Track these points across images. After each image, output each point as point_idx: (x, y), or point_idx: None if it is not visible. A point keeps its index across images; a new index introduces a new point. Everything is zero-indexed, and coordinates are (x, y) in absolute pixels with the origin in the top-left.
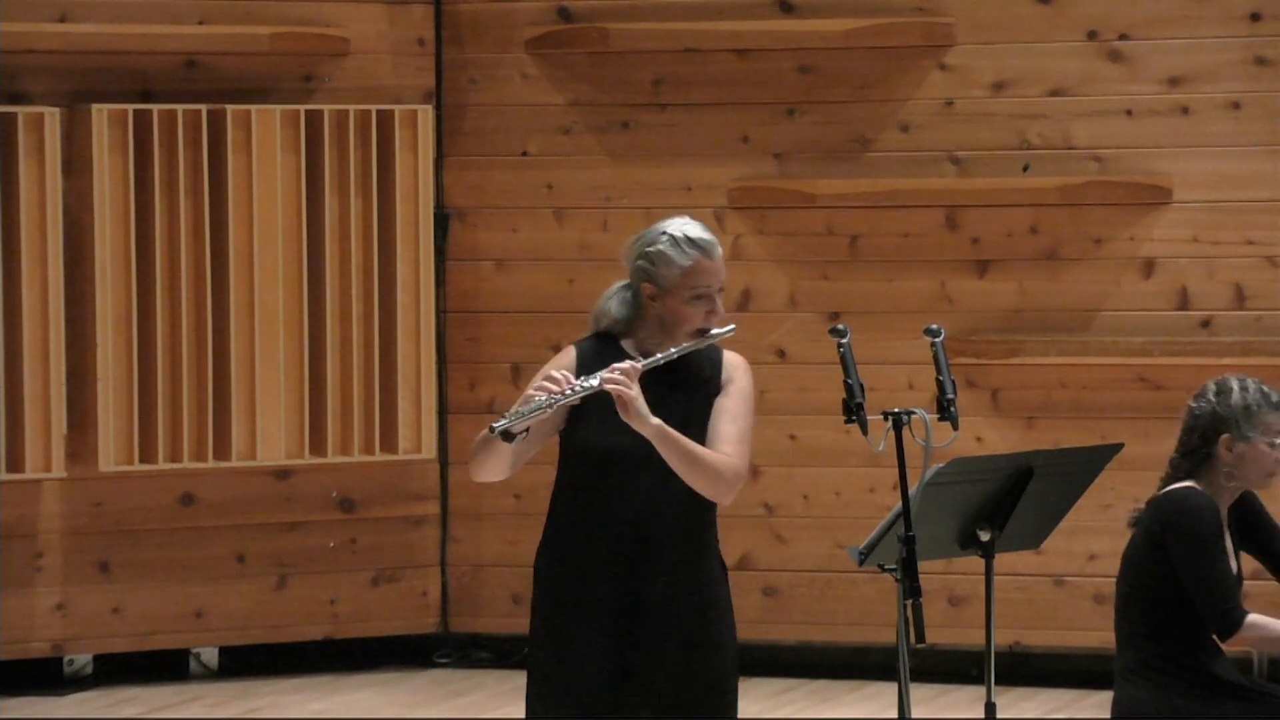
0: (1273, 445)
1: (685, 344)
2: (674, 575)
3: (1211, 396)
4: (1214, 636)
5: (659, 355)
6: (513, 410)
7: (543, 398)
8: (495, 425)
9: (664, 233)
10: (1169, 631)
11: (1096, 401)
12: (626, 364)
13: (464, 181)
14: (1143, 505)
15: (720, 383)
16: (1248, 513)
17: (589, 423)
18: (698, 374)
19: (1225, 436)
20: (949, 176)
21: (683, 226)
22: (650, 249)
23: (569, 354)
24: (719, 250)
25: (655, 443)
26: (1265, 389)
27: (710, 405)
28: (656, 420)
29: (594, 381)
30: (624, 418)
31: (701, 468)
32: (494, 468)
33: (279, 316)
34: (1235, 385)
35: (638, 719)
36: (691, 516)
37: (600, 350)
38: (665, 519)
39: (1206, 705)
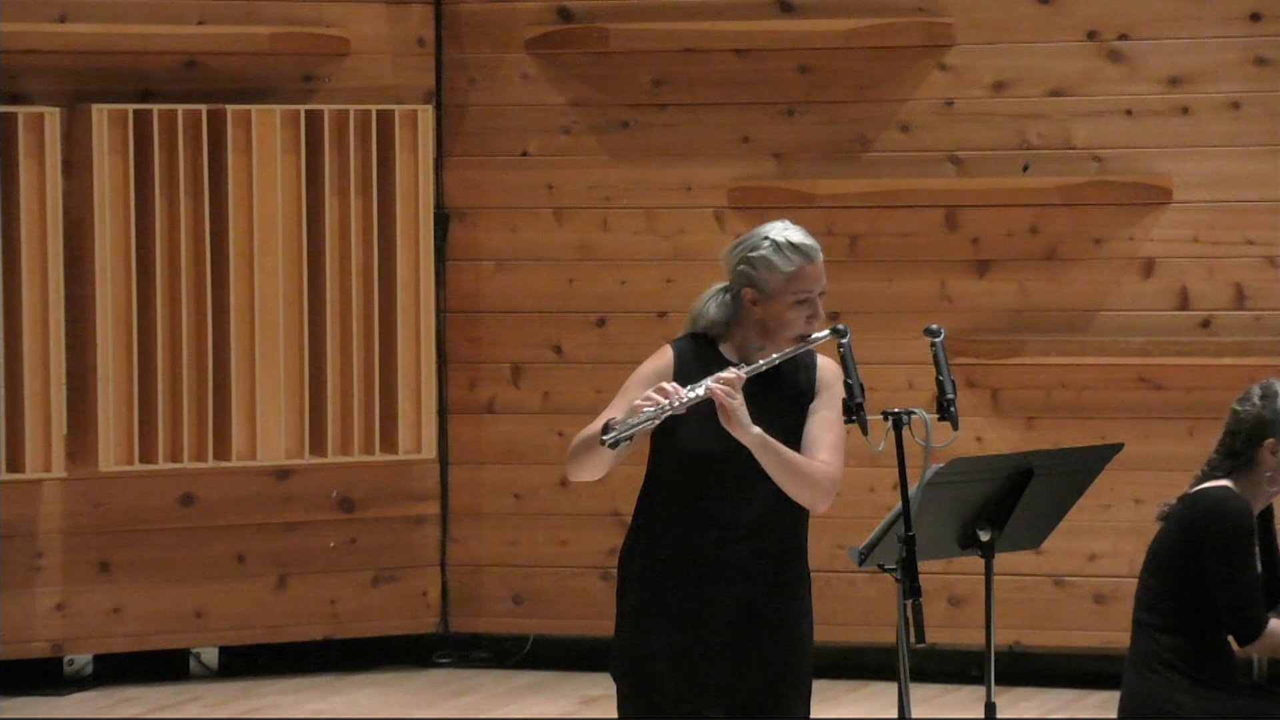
0: None
1: (787, 350)
2: (763, 578)
3: (1257, 400)
4: (1235, 641)
5: (762, 362)
6: (622, 422)
7: (651, 408)
8: (606, 438)
9: (766, 238)
10: (1188, 627)
11: (1096, 401)
12: (731, 373)
13: (464, 181)
14: (1173, 500)
15: (815, 388)
16: (1261, 530)
17: (684, 426)
18: (793, 378)
19: (1270, 441)
20: (949, 176)
21: (784, 231)
22: (753, 254)
23: (666, 355)
24: (820, 255)
25: (755, 452)
26: None
27: (804, 410)
28: (757, 430)
29: (700, 390)
30: (726, 426)
31: (800, 476)
32: (595, 471)
33: (279, 316)
34: None
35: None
36: (783, 521)
37: (698, 353)
38: (757, 523)
39: (1217, 701)
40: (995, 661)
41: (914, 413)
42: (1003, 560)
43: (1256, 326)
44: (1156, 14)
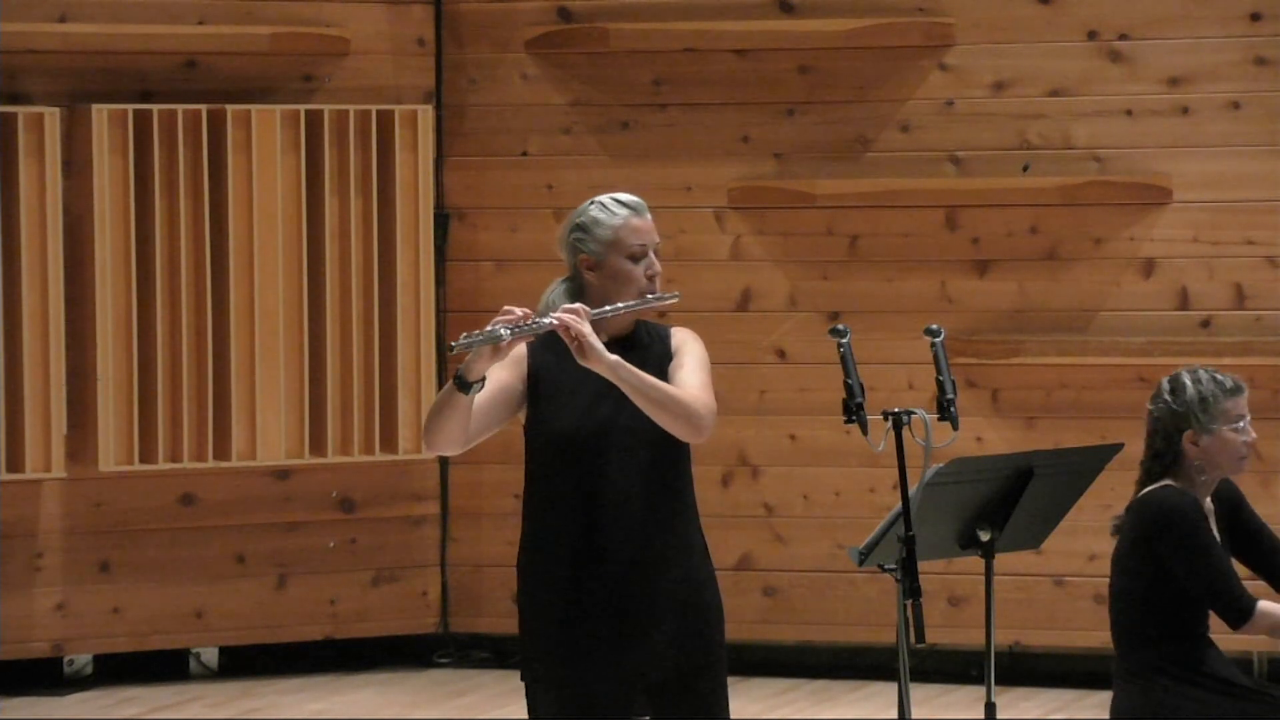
0: (1236, 430)
1: (632, 302)
2: (651, 548)
3: (1166, 395)
4: (1228, 627)
5: (608, 308)
6: (468, 334)
7: (495, 327)
8: (454, 344)
9: (591, 202)
10: (1163, 633)
11: (1096, 401)
12: (577, 305)
13: (464, 181)
14: (1121, 512)
15: (671, 354)
16: (1231, 511)
17: (551, 409)
18: (647, 349)
19: (1188, 432)
20: (949, 176)
21: (609, 195)
22: (580, 219)
23: (520, 348)
24: (647, 211)
25: (613, 378)
26: (1218, 377)
27: (664, 374)
28: (613, 356)
29: (546, 320)
30: (579, 358)
31: (667, 399)
32: (450, 431)
33: (279, 316)
34: (1188, 379)
35: (632, 702)
36: (664, 489)
37: (549, 343)
38: (635, 494)
39: (1205, 705)
40: (995, 661)
41: (914, 413)
42: (1003, 560)
43: (1256, 326)
44: (1156, 14)
